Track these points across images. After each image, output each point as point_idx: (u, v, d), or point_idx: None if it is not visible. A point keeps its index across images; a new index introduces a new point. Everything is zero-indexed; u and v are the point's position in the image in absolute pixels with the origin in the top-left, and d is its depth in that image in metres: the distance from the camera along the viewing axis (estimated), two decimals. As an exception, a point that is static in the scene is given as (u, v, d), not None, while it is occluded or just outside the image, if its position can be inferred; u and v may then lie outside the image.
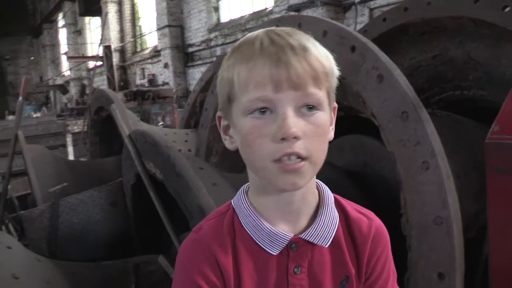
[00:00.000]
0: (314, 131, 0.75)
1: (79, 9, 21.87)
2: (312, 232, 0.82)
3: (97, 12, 20.43)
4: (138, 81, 18.47)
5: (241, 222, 0.85)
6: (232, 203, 0.88)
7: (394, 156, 1.33)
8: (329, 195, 0.87)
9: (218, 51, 13.19)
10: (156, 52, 16.71)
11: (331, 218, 0.84)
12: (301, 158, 0.74)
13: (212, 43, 13.89)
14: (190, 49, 15.13)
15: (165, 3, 15.01)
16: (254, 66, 0.74)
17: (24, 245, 2.10)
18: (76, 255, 2.28)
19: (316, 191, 0.86)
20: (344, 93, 1.78)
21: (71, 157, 6.05)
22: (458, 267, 1.21)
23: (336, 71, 0.79)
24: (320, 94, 0.75)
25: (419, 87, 2.42)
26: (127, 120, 2.83)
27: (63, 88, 24.76)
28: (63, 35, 27.67)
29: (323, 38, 1.59)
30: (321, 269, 0.84)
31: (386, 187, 1.98)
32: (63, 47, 27.73)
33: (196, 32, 14.77)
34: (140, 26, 19.70)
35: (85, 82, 22.81)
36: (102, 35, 15.81)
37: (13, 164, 3.93)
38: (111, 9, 19.53)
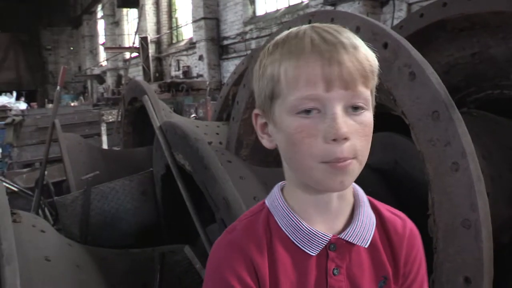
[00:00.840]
0: (361, 131, 0.73)
1: (117, 0, 22.29)
2: (352, 232, 0.81)
3: (134, 3, 20.75)
4: (173, 73, 18.71)
5: (277, 222, 0.83)
6: (266, 203, 0.87)
7: (423, 155, 1.30)
8: (363, 195, 0.86)
9: (253, 44, 13.18)
10: (191, 44, 16.86)
11: (369, 217, 0.84)
12: (351, 158, 0.74)
13: (247, 36, 13.90)
14: (225, 42, 15.19)
15: (202, -5, 15.12)
16: (305, 64, 0.73)
17: (58, 230, 2.17)
18: (106, 242, 2.34)
19: (351, 191, 0.85)
20: (376, 91, 1.75)
21: (105, 146, 6.20)
22: (486, 272, 1.17)
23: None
24: (367, 93, 0.75)
25: (456, 86, 2.36)
26: (160, 111, 2.87)
27: (100, 78, 25.37)
28: (101, 26, 28.27)
29: (356, 34, 1.56)
30: (360, 270, 0.83)
31: (415, 187, 1.95)
32: (101, 38, 28.33)
33: (232, 25, 14.81)
34: (176, 18, 19.91)
35: (121, 72, 23.25)
36: (138, 26, 16.06)
37: (50, 151, 4.06)
38: (148, 1, 19.82)
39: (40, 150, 5.46)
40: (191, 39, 17.11)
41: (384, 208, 0.89)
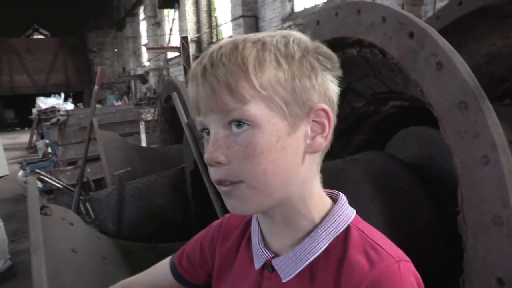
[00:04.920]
0: (241, 153, 0.67)
1: (158, 2, 22.73)
2: (280, 261, 0.76)
3: (174, 4, 21.08)
4: (213, 71, 18.85)
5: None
6: None
7: (451, 149, 1.25)
8: (332, 225, 0.74)
9: (291, 41, 13.11)
10: (230, 43, 16.96)
11: (306, 252, 0.74)
12: (234, 182, 0.68)
13: (286, 33, 13.85)
14: (264, 40, 15.18)
15: (240, -7, 15.18)
16: (188, 91, 0.73)
17: (96, 225, 2.23)
18: (140, 236, 2.39)
19: (314, 217, 0.75)
20: (406, 82, 1.70)
21: (143, 144, 6.34)
22: (521, 273, 1.11)
23: (296, 75, 0.69)
24: (247, 109, 0.66)
25: (499, 76, 2.25)
26: (190, 108, 2.90)
27: (143, 78, 25.96)
28: (143, 27, 28.92)
29: (382, 24, 1.53)
30: None
31: (451, 182, 1.87)
32: (144, 39, 28.98)
33: (270, 22, 14.79)
34: (216, 17, 20.09)
35: (164, 72, 23.71)
36: (169, 28, 16.22)
37: (92, 149, 4.20)
38: (188, 1, 20.09)
39: (82, 149, 5.65)
40: (230, 37, 17.22)
41: (361, 246, 0.71)
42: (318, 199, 0.77)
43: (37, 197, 1.41)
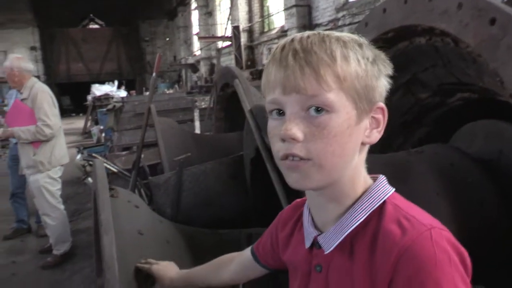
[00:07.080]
0: (317, 134, 0.75)
1: (210, -9, 22.90)
2: (324, 236, 0.85)
3: (227, -7, 21.17)
4: (265, 61, 18.82)
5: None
6: None
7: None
8: (368, 201, 0.82)
9: (346, 30, 12.77)
10: (283, 32, 16.82)
11: (347, 223, 0.82)
12: (303, 158, 0.76)
13: (340, 23, 13.57)
14: (317, 29, 14.91)
15: (293, -17, 15.00)
16: (267, 72, 0.81)
17: (152, 210, 2.27)
18: (196, 222, 2.42)
19: (356, 195, 0.83)
20: (480, 73, 1.61)
21: (197, 131, 6.41)
22: None
23: (368, 74, 0.78)
24: (329, 96, 0.75)
25: None
26: (251, 97, 2.89)
27: (193, 67, 26.31)
28: (195, 17, 29.25)
29: (458, 10, 1.45)
30: (338, 275, 0.83)
31: (523, 179, 1.77)
32: (195, 28, 29.32)
33: (324, 11, 14.55)
34: (267, 7, 19.99)
35: (214, 61, 23.91)
36: (230, 16, 16.25)
37: (146, 135, 4.29)
38: (240, -10, 20.10)
39: (137, 135, 5.79)
40: (282, 27, 17.07)
41: (395, 217, 0.78)
42: (363, 181, 0.85)
43: (106, 179, 1.45)
